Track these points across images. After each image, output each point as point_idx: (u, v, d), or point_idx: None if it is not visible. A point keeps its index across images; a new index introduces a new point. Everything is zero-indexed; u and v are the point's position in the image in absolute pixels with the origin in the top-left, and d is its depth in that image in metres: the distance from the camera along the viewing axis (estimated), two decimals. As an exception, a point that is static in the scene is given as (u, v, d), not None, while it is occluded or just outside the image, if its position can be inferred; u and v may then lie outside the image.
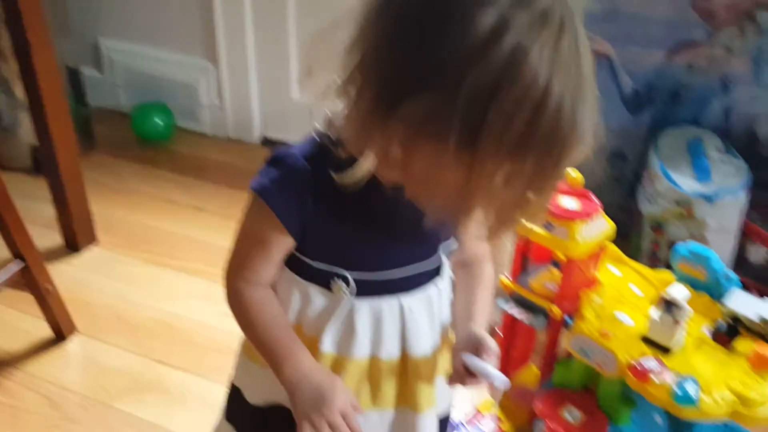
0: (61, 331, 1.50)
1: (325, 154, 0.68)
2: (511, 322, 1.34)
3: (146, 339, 1.51)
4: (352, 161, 0.65)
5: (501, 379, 0.73)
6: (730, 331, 1.10)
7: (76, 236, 1.74)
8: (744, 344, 1.09)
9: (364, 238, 0.73)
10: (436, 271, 0.79)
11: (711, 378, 1.04)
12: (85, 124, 2.14)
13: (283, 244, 0.74)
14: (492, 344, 0.75)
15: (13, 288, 1.39)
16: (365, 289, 0.75)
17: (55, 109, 1.58)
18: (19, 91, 1.83)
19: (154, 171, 2.06)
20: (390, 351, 0.78)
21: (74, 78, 2.19)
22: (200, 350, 1.47)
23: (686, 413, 1.02)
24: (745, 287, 1.16)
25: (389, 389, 0.80)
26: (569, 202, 1.21)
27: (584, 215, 1.18)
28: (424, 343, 0.79)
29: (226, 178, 1.99)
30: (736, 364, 1.07)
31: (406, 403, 0.81)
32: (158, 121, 2.17)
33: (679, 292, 1.07)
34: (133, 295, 1.62)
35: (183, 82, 2.21)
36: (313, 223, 0.72)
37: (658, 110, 1.67)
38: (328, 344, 0.77)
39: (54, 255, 1.72)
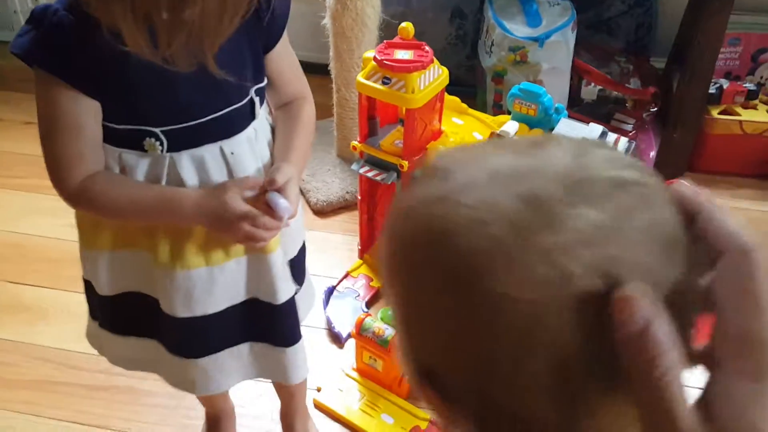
0: None
1: None
2: (368, 186, 1.37)
3: (-8, 263, 1.42)
4: None
5: (283, 206, 0.73)
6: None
7: None
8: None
9: (155, 86, 0.70)
10: (251, 115, 0.78)
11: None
12: None
13: (85, 108, 0.70)
14: (281, 176, 0.74)
15: None
16: (181, 142, 0.73)
17: None
18: None
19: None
20: None
21: None
22: (54, 264, 1.41)
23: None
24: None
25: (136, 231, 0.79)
26: (404, 54, 1.22)
27: (419, 65, 1.19)
28: None
29: (56, 87, 1.83)
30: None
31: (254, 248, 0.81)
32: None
33: (510, 126, 1.13)
34: (-29, 221, 1.51)
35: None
36: (98, 76, 0.68)
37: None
38: None
39: None
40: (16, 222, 1.51)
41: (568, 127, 1.21)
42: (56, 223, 1.47)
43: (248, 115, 0.78)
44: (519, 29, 1.52)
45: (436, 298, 0.31)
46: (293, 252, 0.89)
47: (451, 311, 0.31)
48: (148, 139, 0.72)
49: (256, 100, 0.78)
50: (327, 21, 1.50)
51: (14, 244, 1.46)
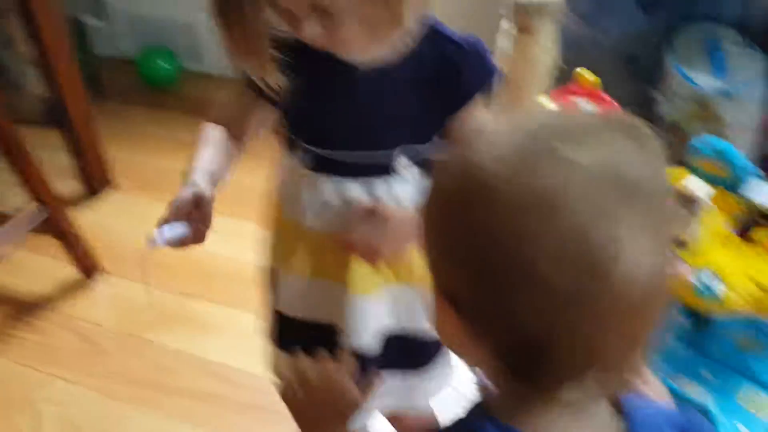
0: (88, 272, 1.54)
1: None
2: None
3: (171, 275, 1.53)
4: None
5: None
6: (747, 221, 1.09)
7: (93, 181, 1.77)
8: (761, 233, 1.08)
9: (311, 104, 0.75)
10: (386, 169, 0.76)
11: (732, 271, 1.03)
12: (92, 74, 2.14)
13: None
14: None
15: (38, 233, 1.42)
16: (322, 166, 0.77)
17: (61, 60, 1.59)
18: (23, 46, 1.82)
19: (164, 114, 2.06)
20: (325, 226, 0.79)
21: (78, 28, 2.18)
22: (226, 282, 1.50)
23: (706, 305, 1.02)
24: None
25: (331, 261, 0.81)
26: (586, 106, 1.19)
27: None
28: None
29: (235, 116, 1.98)
30: (757, 255, 1.06)
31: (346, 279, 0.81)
32: (164, 65, 2.16)
33: (695, 185, 1.06)
34: (155, 234, 1.65)
35: (184, 23, 2.18)
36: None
37: (671, 7, 1.61)
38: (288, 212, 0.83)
39: (74, 201, 1.75)
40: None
41: (758, 190, 1.11)
42: (230, 243, 1.54)
43: (382, 168, 0.76)
44: (703, 80, 1.43)
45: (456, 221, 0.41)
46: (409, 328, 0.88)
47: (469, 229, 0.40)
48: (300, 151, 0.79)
49: (400, 158, 0.76)
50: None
51: (189, 259, 1.53)
